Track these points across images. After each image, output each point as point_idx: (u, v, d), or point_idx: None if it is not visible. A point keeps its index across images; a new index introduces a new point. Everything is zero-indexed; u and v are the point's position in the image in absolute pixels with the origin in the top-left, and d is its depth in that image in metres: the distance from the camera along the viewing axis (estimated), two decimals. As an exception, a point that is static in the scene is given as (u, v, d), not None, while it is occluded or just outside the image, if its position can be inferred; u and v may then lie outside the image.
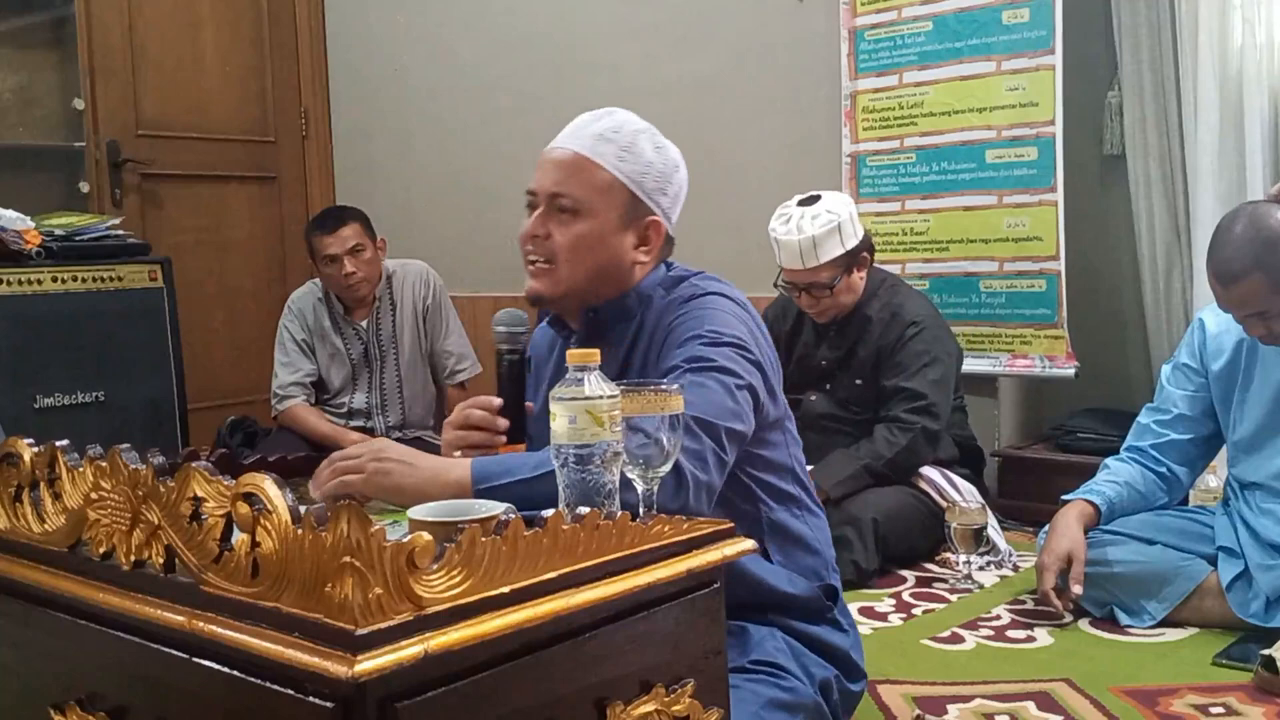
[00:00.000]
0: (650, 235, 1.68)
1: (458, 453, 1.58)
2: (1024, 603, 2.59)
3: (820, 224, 2.91)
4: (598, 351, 1.21)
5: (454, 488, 1.40)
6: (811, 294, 2.99)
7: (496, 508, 1.19)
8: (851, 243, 2.95)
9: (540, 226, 1.64)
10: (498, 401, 1.61)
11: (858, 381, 3.04)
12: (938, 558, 2.90)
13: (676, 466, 1.40)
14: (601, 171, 1.63)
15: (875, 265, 3.10)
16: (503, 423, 1.59)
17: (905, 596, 2.72)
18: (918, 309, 3.01)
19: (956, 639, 2.40)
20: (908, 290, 3.11)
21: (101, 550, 1.08)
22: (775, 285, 3.08)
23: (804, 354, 3.14)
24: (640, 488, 1.23)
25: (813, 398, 3.08)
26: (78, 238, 3.53)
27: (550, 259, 1.64)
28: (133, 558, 1.04)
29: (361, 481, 1.43)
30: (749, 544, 1.18)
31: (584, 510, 1.05)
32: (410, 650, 0.87)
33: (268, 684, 0.90)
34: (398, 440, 3.58)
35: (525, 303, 1.72)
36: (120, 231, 3.67)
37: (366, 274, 3.55)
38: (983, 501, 2.90)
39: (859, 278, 3.02)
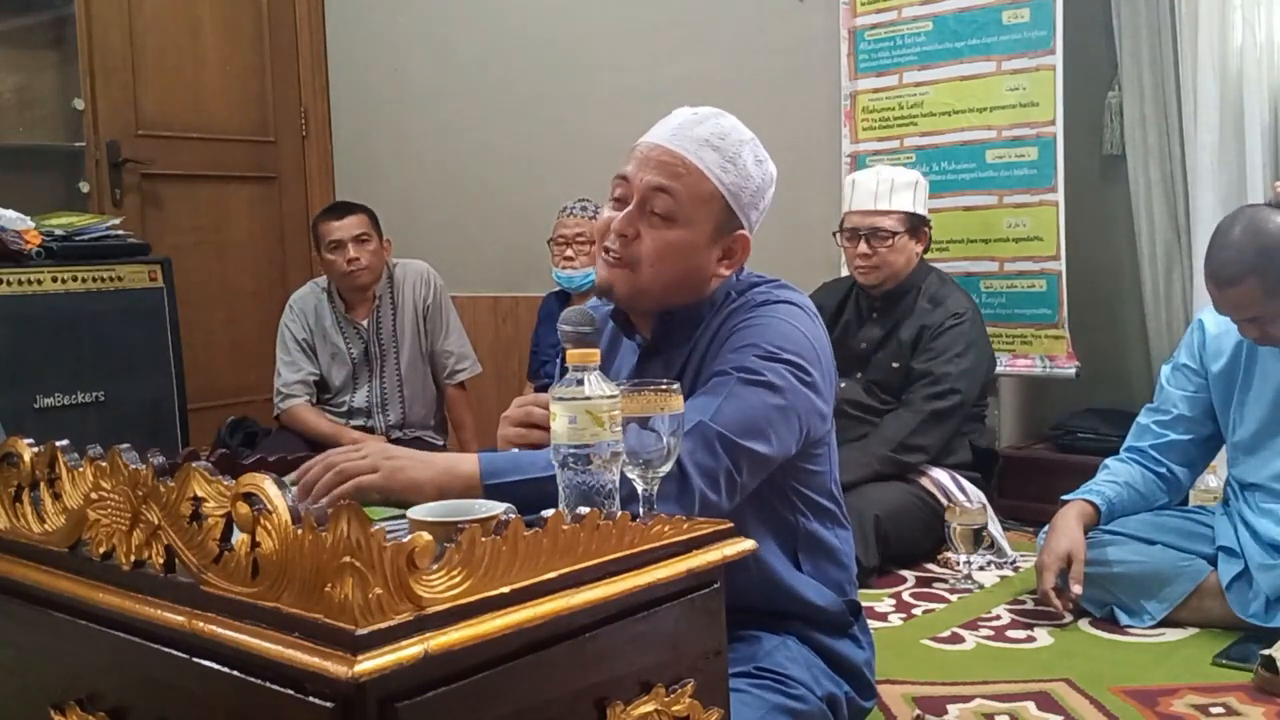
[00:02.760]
0: (736, 249, 1.62)
1: (515, 450, 1.53)
2: (1024, 603, 2.59)
3: (902, 175, 3.13)
4: (597, 352, 1.21)
5: (466, 480, 1.39)
6: (870, 242, 3.06)
7: (496, 508, 1.19)
8: (921, 209, 3.11)
9: (630, 225, 1.57)
10: None
11: (894, 364, 3.07)
12: (938, 557, 2.90)
13: (684, 476, 1.39)
14: (705, 182, 1.56)
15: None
16: None
17: (905, 596, 2.72)
18: (963, 302, 3.09)
19: (956, 639, 2.40)
20: (955, 285, 3.19)
21: (101, 550, 1.08)
22: (834, 235, 3.18)
23: (844, 336, 3.16)
24: (640, 487, 1.23)
25: (843, 384, 3.08)
26: (78, 238, 3.53)
27: (633, 262, 1.58)
28: (133, 558, 1.04)
29: (381, 479, 1.39)
30: (749, 544, 1.18)
31: (584, 510, 1.05)
32: (410, 650, 0.87)
33: (268, 684, 0.90)
34: (397, 440, 3.62)
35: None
36: (120, 231, 3.67)
37: (369, 264, 3.56)
38: (984, 501, 2.90)
39: (915, 251, 3.12)
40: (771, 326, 1.56)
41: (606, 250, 1.60)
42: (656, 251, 1.57)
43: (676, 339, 1.65)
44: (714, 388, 1.50)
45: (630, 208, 1.58)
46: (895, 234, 3.05)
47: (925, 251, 3.17)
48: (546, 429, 1.51)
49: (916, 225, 3.09)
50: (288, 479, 1.45)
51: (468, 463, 1.42)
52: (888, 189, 3.06)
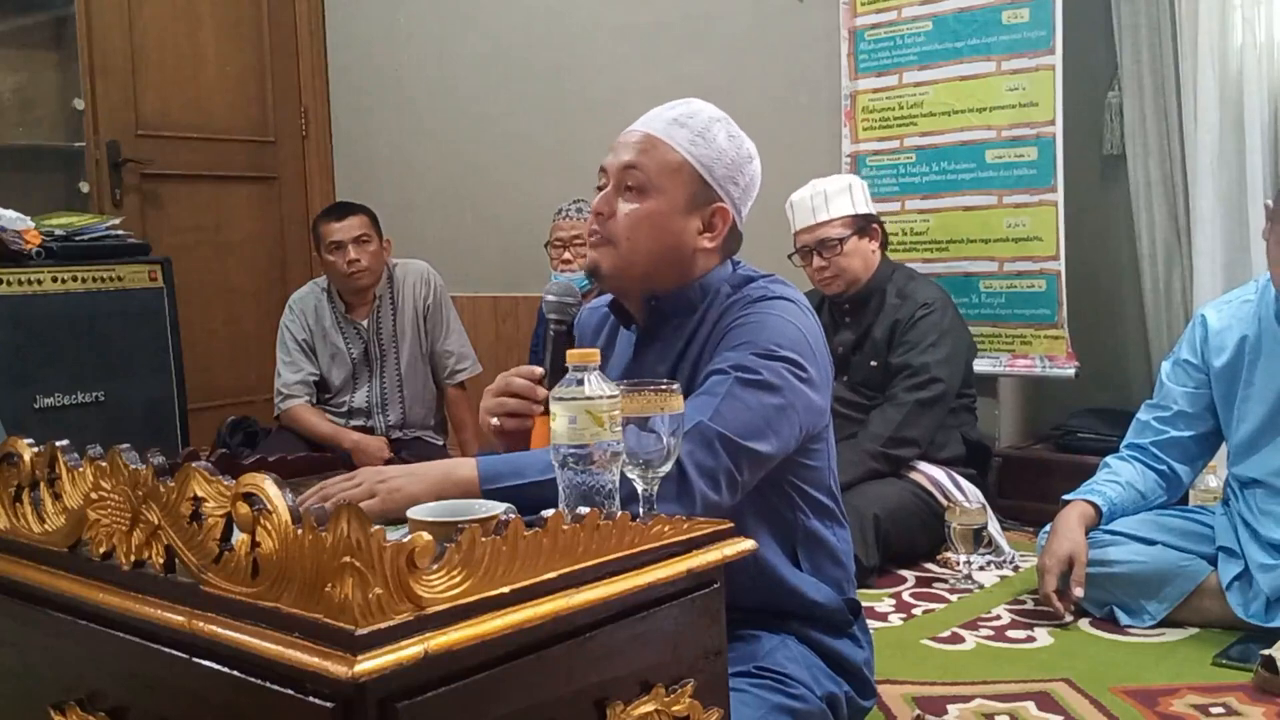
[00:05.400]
0: (716, 222, 1.65)
1: (494, 420, 1.59)
2: (1024, 603, 2.59)
3: (833, 182, 3.13)
4: (597, 352, 1.21)
5: (464, 485, 1.39)
6: (821, 254, 3.08)
7: (496, 508, 1.19)
8: (862, 208, 3.11)
9: (606, 204, 1.64)
10: (539, 371, 1.61)
11: (872, 363, 3.09)
12: (938, 557, 2.90)
13: (683, 476, 1.39)
14: (672, 152, 1.62)
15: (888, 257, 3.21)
16: (542, 392, 1.58)
17: (905, 596, 2.72)
18: (930, 293, 3.10)
19: (956, 639, 2.40)
20: (922, 277, 3.21)
21: (101, 550, 1.08)
22: (789, 258, 3.16)
23: None
24: (640, 487, 1.23)
25: None
26: (78, 238, 3.53)
27: (612, 238, 1.63)
28: (133, 558, 1.04)
29: (380, 504, 1.39)
30: (749, 544, 1.18)
31: (584, 510, 1.05)
32: (410, 650, 0.87)
33: (268, 684, 0.90)
34: (397, 440, 3.63)
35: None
36: (120, 231, 3.67)
37: (370, 265, 3.56)
38: (983, 501, 2.90)
39: (871, 250, 3.13)
40: (767, 323, 1.57)
41: (590, 233, 1.66)
42: (630, 222, 1.62)
43: (669, 326, 1.67)
44: (712, 387, 1.51)
45: (606, 190, 1.65)
46: (842, 239, 3.07)
47: (884, 248, 3.18)
48: (524, 398, 1.57)
49: (863, 225, 3.10)
50: None
51: (465, 467, 1.43)
52: (823, 200, 3.09)
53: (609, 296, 1.76)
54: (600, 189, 1.67)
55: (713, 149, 1.63)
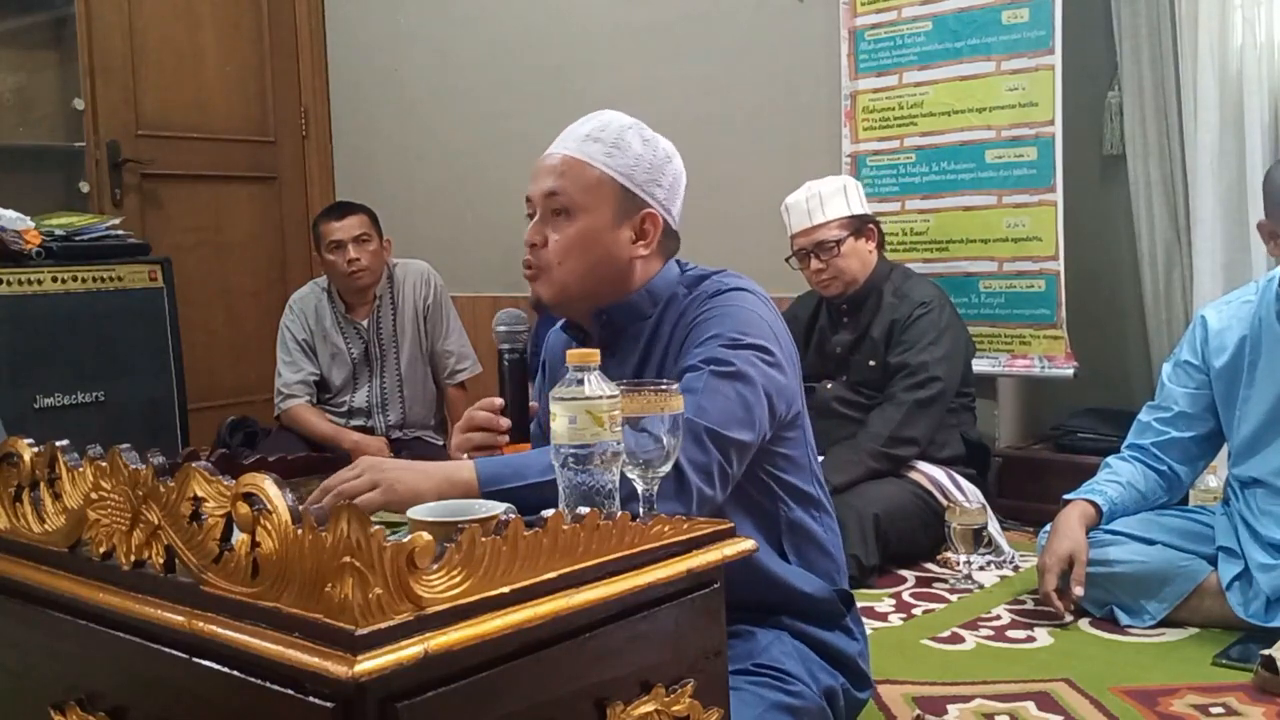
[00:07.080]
0: (647, 229, 1.66)
1: (464, 455, 1.59)
2: (1024, 603, 2.59)
3: (828, 184, 3.12)
4: (597, 352, 1.21)
5: (464, 488, 1.40)
6: (819, 256, 3.08)
7: (496, 508, 1.19)
8: (857, 209, 3.11)
9: (537, 234, 1.65)
10: (499, 402, 1.62)
11: (871, 363, 3.09)
12: (938, 557, 2.90)
13: (680, 474, 1.40)
14: (590, 169, 1.63)
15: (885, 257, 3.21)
16: (505, 422, 1.60)
17: (905, 596, 2.72)
18: (928, 291, 3.10)
19: (956, 639, 2.40)
20: (919, 276, 3.21)
21: (101, 550, 1.08)
22: (786, 260, 3.17)
23: (820, 340, 3.21)
24: (640, 488, 1.23)
25: (828, 386, 3.12)
26: (78, 238, 3.53)
27: (546, 266, 1.64)
28: (133, 558, 1.04)
29: (381, 496, 1.40)
30: (749, 544, 1.18)
31: (584, 510, 1.05)
32: (410, 650, 0.87)
33: (268, 684, 0.90)
34: (397, 440, 3.63)
35: (526, 303, 1.73)
36: (120, 231, 3.68)
37: (370, 264, 3.56)
38: (983, 501, 2.90)
39: (868, 250, 3.12)
40: (729, 314, 1.60)
41: (526, 265, 1.67)
42: (562, 248, 1.63)
43: (625, 336, 1.68)
44: (690, 383, 1.52)
45: (535, 219, 1.66)
46: (839, 241, 3.06)
47: (881, 248, 3.18)
48: (486, 430, 1.60)
49: (859, 226, 3.10)
50: None
51: (465, 470, 1.44)
52: (818, 202, 3.09)
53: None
54: (530, 217, 1.68)
55: (629, 157, 1.64)
